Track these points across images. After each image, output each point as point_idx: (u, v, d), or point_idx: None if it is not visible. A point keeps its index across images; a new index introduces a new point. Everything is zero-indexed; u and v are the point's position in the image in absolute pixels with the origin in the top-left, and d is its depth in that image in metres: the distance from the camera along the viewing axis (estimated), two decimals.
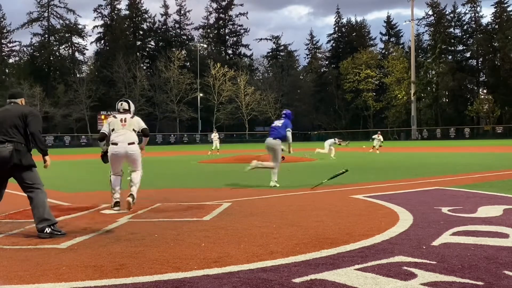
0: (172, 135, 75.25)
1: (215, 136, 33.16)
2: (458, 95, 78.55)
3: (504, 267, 3.69)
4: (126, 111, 7.45)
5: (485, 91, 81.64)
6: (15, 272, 3.81)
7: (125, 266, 3.94)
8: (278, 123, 10.94)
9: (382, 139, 30.00)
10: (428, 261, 3.90)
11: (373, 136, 30.63)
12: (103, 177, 13.28)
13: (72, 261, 4.12)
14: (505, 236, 4.82)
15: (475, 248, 4.33)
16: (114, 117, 7.47)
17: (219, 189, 10.17)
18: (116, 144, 7.17)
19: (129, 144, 7.20)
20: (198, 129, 77.76)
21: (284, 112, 11.30)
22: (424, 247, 4.39)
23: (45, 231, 5.15)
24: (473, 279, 3.39)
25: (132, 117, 7.39)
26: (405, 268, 3.71)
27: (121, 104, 7.54)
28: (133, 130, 7.30)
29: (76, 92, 71.91)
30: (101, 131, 7.56)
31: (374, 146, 29.58)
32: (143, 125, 7.46)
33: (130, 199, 6.94)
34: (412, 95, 74.61)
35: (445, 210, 6.46)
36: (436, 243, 4.56)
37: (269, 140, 10.73)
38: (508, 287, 3.23)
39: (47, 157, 5.52)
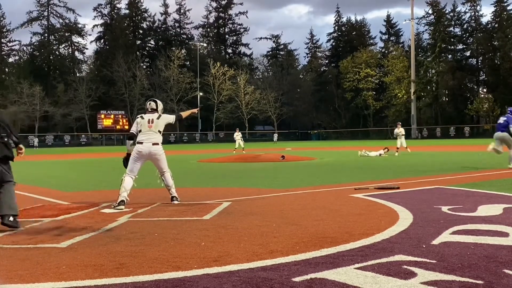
0: (171, 134, 75.27)
1: (237, 135, 33.08)
2: (458, 94, 78.55)
3: (504, 266, 3.69)
4: (154, 110, 7.65)
5: (485, 90, 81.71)
6: (15, 271, 3.81)
7: (125, 265, 3.94)
8: (501, 119, 13.53)
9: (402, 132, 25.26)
10: (428, 260, 3.90)
11: (396, 131, 25.66)
12: (103, 176, 13.29)
13: (72, 260, 4.12)
14: (505, 235, 4.81)
15: (475, 247, 4.33)
16: (142, 117, 7.65)
17: (219, 188, 10.16)
18: (141, 143, 7.41)
19: (153, 144, 7.43)
20: (198, 128, 77.79)
21: (509, 109, 13.64)
22: (424, 246, 4.39)
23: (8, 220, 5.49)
24: (473, 278, 3.39)
25: (158, 118, 7.56)
26: (405, 267, 3.71)
27: (149, 104, 7.75)
28: (159, 131, 7.52)
29: (76, 91, 71.95)
30: (130, 130, 7.81)
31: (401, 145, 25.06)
32: (171, 119, 7.78)
33: (176, 202, 7.58)
34: (412, 94, 74.61)
35: (445, 209, 6.46)
36: (436, 242, 4.56)
37: (497, 133, 13.44)
38: (508, 286, 3.23)
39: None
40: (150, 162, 7.66)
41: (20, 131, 65.49)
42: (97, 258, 4.18)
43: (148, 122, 7.50)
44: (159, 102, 7.85)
